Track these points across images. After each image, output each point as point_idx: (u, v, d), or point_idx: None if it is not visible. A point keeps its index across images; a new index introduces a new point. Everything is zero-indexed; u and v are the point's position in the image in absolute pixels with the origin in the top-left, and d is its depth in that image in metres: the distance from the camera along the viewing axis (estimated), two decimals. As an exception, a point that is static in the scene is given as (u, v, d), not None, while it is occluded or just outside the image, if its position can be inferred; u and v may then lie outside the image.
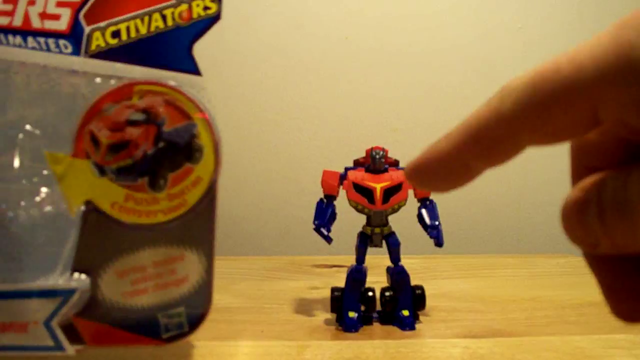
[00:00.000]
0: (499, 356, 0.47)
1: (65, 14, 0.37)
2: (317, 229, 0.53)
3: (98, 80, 0.37)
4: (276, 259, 0.79)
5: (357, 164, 0.55)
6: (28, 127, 0.37)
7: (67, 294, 0.36)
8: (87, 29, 0.37)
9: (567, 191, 0.24)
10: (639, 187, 0.19)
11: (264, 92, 0.89)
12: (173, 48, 0.38)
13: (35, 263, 0.37)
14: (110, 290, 0.37)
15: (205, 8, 0.39)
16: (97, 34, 0.37)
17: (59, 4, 0.37)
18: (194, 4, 0.38)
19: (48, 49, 0.37)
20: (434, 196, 0.54)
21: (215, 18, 0.39)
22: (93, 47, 0.37)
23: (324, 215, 0.54)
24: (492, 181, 0.92)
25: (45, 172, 0.37)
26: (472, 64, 0.91)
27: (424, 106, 0.88)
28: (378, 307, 0.55)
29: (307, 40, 0.88)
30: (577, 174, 0.25)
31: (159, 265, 0.38)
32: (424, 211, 0.54)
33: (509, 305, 0.60)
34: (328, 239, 0.53)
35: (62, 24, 0.37)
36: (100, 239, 0.37)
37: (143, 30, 0.38)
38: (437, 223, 0.53)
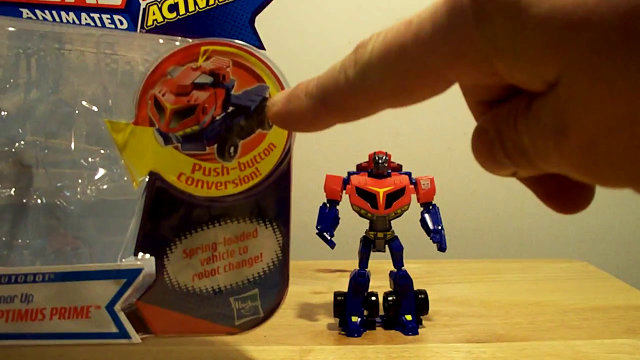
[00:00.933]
0: (502, 361, 0.47)
1: None
2: (320, 234, 0.53)
3: (161, 41, 0.35)
4: (279, 264, 0.79)
5: (360, 168, 0.55)
6: (84, 103, 0.35)
7: (131, 274, 0.33)
8: (143, 3, 0.35)
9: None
10: (527, 134, 0.19)
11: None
12: (233, 20, 0.36)
13: (96, 244, 0.35)
14: (178, 272, 0.35)
15: None
16: (154, 7, 0.35)
17: None
18: None
19: (103, 25, 0.35)
20: (437, 201, 0.54)
21: None
22: (150, 22, 0.35)
23: (327, 220, 0.54)
24: (495, 186, 0.92)
25: (102, 151, 0.35)
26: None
27: (427, 110, 0.88)
28: (381, 311, 0.55)
29: (309, 44, 0.88)
30: (475, 108, 0.25)
31: (230, 242, 0.35)
32: (426, 216, 0.54)
33: (512, 310, 0.60)
34: (331, 244, 0.53)
35: (117, 0, 0.35)
36: (165, 215, 0.34)
37: (202, 3, 0.36)
38: (440, 227, 0.53)
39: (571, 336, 0.52)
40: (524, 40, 0.17)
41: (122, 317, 0.33)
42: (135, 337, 0.33)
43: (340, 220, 0.54)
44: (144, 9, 0.35)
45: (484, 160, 0.23)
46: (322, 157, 0.89)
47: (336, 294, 0.55)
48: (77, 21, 0.35)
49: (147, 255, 0.34)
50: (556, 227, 0.94)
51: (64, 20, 0.34)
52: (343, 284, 0.55)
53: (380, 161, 0.53)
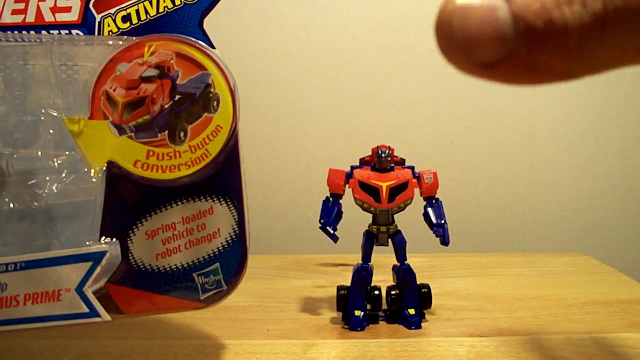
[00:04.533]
0: (504, 355, 0.47)
1: (76, 6, 0.38)
2: (323, 228, 0.53)
3: (110, 42, 0.37)
4: (282, 258, 0.79)
5: (363, 162, 0.55)
6: (49, 111, 0.37)
7: (96, 256, 0.35)
8: (98, 17, 0.38)
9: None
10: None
11: (269, 91, 0.89)
12: (184, 25, 0.38)
13: (62, 233, 0.36)
14: (142, 252, 0.36)
15: None
16: (108, 20, 0.38)
17: None
18: None
19: (61, 40, 0.37)
20: (440, 195, 0.54)
21: None
22: (105, 33, 0.38)
23: (330, 214, 0.54)
24: (498, 180, 0.92)
25: (67, 153, 0.37)
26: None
27: (431, 105, 0.88)
28: (384, 305, 0.55)
29: (312, 39, 0.88)
30: None
31: (188, 220, 0.37)
32: (430, 210, 0.54)
33: (515, 304, 0.60)
34: (334, 238, 0.53)
35: (74, 15, 0.38)
36: (125, 200, 0.36)
37: (152, 12, 0.38)
38: (443, 222, 0.53)
39: (574, 330, 0.52)
40: None
41: (91, 297, 0.35)
42: (105, 316, 0.35)
43: (343, 214, 0.54)
44: (99, 22, 0.38)
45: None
46: (325, 151, 0.89)
47: (339, 288, 0.55)
48: (38, 38, 0.38)
49: (112, 239, 0.36)
50: (559, 221, 0.94)
51: (26, 39, 0.37)
52: (346, 278, 0.55)
53: (383, 155, 0.53)
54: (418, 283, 0.54)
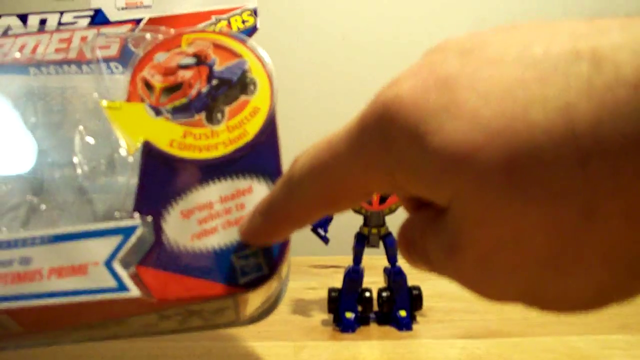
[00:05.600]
0: (495, 357, 0.47)
1: (115, 45, 0.40)
2: (314, 230, 0.53)
3: (148, 36, 0.39)
4: (273, 259, 0.79)
5: (355, 164, 0.55)
6: (81, 128, 0.38)
7: (127, 231, 0.34)
8: (135, 51, 0.39)
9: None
10: (430, 246, 0.22)
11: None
12: None
13: (93, 212, 0.36)
14: (176, 233, 0.35)
15: (244, 22, 0.42)
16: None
17: (108, 38, 0.41)
18: (232, 19, 0.41)
19: (100, 72, 0.39)
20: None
21: (253, 29, 0.42)
22: None
23: (321, 216, 0.54)
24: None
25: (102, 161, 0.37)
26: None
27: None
28: (375, 307, 0.55)
29: (303, 39, 0.88)
30: (406, 204, 0.28)
31: (226, 200, 0.35)
32: (421, 211, 0.54)
33: (506, 306, 0.59)
34: (325, 240, 0.53)
35: (113, 51, 0.40)
36: (160, 180, 0.36)
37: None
38: (434, 223, 0.53)
39: (565, 332, 0.52)
40: (421, 162, 0.19)
41: (121, 271, 0.33)
42: (134, 290, 0.33)
43: (334, 217, 0.54)
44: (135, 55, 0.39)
45: (404, 256, 0.27)
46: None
47: (330, 290, 0.54)
48: (79, 71, 0.40)
49: (146, 217, 0.35)
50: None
51: (66, 72, 0.40)
52: (337, 280, 0.55)
53: (374, 157, 0.53)
54: (409, 285, 0.54)
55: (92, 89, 0.39)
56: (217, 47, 0.39)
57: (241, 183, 0.36)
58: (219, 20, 0.41)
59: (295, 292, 0.64)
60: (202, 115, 0.37)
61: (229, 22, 0.41)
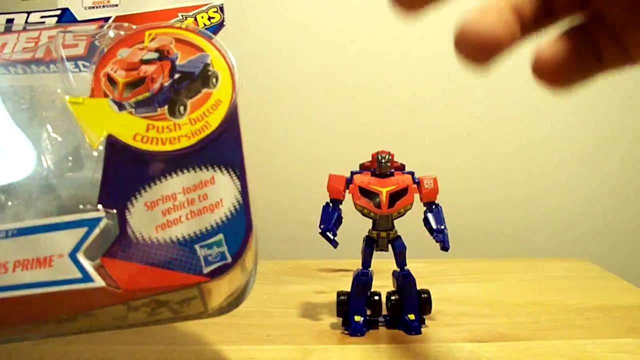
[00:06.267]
0: (505, 360, 0.47)
1: (82, 43, 0.40)
2: (323, 233, 0.53)
3: (111, 33, 0.39)
4: (282, 263, 0.79)
5: (363, 168, 0.55)
6: (50, 130, 0.38)
7: (91, 223, 0.34)
8: (100, 48, 0.39)
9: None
10: None
11: (269, 96, 0.89)
12: None
13: (59, 207, 0.36)
14: (141, 224, 0.35)
15: (210, 18, 0.42)
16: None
17: (75, 37, 0.41)
18: (198, 16, 0.42)
19: (65, 70, 0.39)
20: (440, 200, 0.54)
21: (220, 25, 0.42)
22: None
23: (330, 219, 0.54)
24: (498, 185, 0.92)
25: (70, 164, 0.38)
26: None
27: (431, 110, 0.88)
28: (384, 311, 0.55)
29: (312, 44, 0.88)
30: None
31: (189, 191, 0.36)
32: (429, 215, 0.54)
33: (515, 309, 0.60)
34: (334, 243, 0.53)
35: (80, 50, 0.40)
36: (124, 172, 0.36)
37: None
38: (443, 227, 0.53)
39: (574, 335, 0.52)
40: None
41: (85, 262, 0.34)
42: (99, 281, 0.33)
43: (343, 220, 0.54)
44: (100, 52, 0.39)
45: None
46: (325, 156, 0.89)
47: (339, 294, 0.55)
48: (47, 70, 0.40)
49: (110, 209, 0.35)
50: (559, 227, 0.94)
51: (35, 72, 0.40)
52: (346, 284, 0.55)
53: (383, 160, 0.53)
54: (418, 288, 0.54)
55: (60, 87, 0.39)
56: (180, 41, 0.39)
57: (204, 174, 0.37)
58: (185, 18, 0.42)
59: (303, 296, 0.64)
60: (165, 109, 0.37)
61: (196, 19, 0.42)
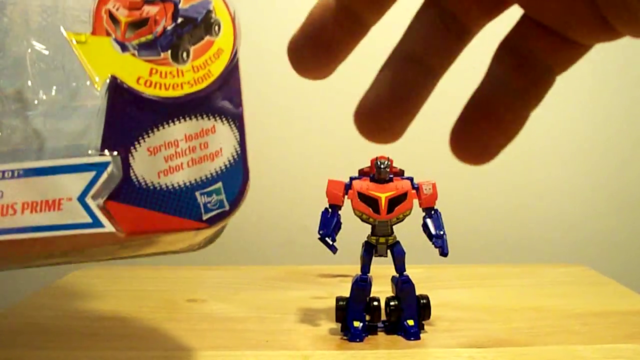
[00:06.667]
0: (503, 366, 0.47)
1: None
2: (321, 239, 0.53)
3: None
4: (280, 269, 0.79)
5: (362, 173, 0.55)
6: (35, 45, 0.37)
7: (99, 167, 0.34)
8: None
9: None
10: None
11: (267, 101, 0.89)
12: None
13: (62, 145, 0.36)
14: (144, 169, 0.36)
15: None
16: None
17: None
18: None
19: None
20: (439, 206, 0.55)
21: None
22: None
23: (329, 225, 0.54)
24: (496, 191, 0.92)
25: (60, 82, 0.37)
26: (481, 70, 0.90)
27: (430, 116, 0.88)
28: (383, 316, 0.55)
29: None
30: None
31: (191, 138, 0.37)
32: (429, 221, 0.54)
33: (513, 315, 0.60)
34: (333, 249, 0.53)
35: None
36: (128, 116, 0.36)
37: None
38: (442, 233, 0.53)
39: (572, 341, 0.52)
40: None
41: (94, 207, 0.34)
42: (109, 226, 0.34)
43: (342, 225, 0.55)
44: None
45: None
46: (324, 161, 0.90)
47: (338, 299, 0.55)
48: None
49: (114, 153, 0.35)
50: (557, 233, 0.94)
51: None
52: (345, 289, 0.55)
53: (382, 166, 0.53)
54: (417, 294, 0.54)
55: (35, 6, 0.37)
56: None
57: (205, 123, 0.37)
58: None
59: (302, 301, 0.64)
60: (168, 54, 0.37)
61: None
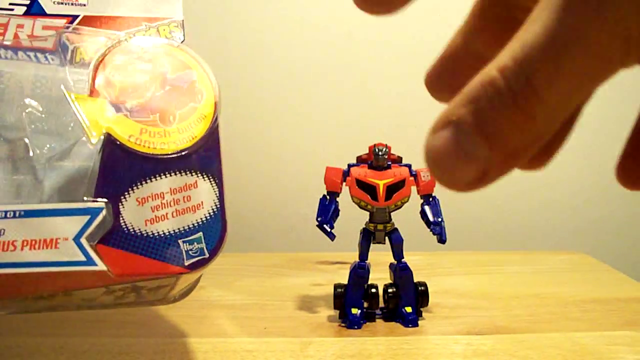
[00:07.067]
0: (501, 353, 0.47)
1: (51, 38, 0.43)
2: (320, 226, 0.53)
3: (102, 39, 0.43)
4: (279, 256, 0.79)
5: (360, 160, 0.55)
6: (31, 104, 0.41)
7: (94, 211, 0.38)
8: (70, 47, 0.43)
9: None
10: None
11: (266, 89, 0.89)
12: None
13: (61, 191, 0.39)
14: (132, 217, 0.39)
15: (171, 32, 0.45)
16: (81, 49, 0.43)
17: (45, 28, 0.44)
18: (160, 28, 0.45)
19: (38, 61, 0.42)
20: (437, 193, 0.54)
21: (179, 40, 0.46)
22: (77, 59, 0.43)
23: (327, 212, 0.54)
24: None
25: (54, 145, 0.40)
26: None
27: (428, 103, 0.88)
28: (381, 303, 0.55)
29: (309, 35, 0.88)
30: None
31: (175, 192, 0.40)
32: (427, 208, 0.54)
33: (512, 302, 0.60)
34: (331, 236, 0.53)
35: (49, 44, 0.43)
36: (119, 169, 0.40)
37: None
38: (440, 219, 0.53)
39: (571, 328, 0.52)
40: None
41: (88, 247, 0.37)
42: (101, 265, 0.37)
43: (340, 212, 0.54)
44: (72, 50, 0.43)
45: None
46: (322, 149, 0.89)
47: (336, 286, 0.55)
48: (15, 56, 0.42)
49: (106, 200, 0.39)
50: (556, 219, 0.94)
51: (2, 57, 0.42)
52: (343, 276, 0.55)
53: (380, 153, 0.53)
54: (415, 281, 0.54)
55: (30, 75, 0.41)
56: (171, 56, 0.43)
57: (188, 178, 0.41)
58: (149, 28, 0.45)
59: (301, 289, 0.64)
60: (157, 116, 0.41)
61: (158, 31, 0.45)
